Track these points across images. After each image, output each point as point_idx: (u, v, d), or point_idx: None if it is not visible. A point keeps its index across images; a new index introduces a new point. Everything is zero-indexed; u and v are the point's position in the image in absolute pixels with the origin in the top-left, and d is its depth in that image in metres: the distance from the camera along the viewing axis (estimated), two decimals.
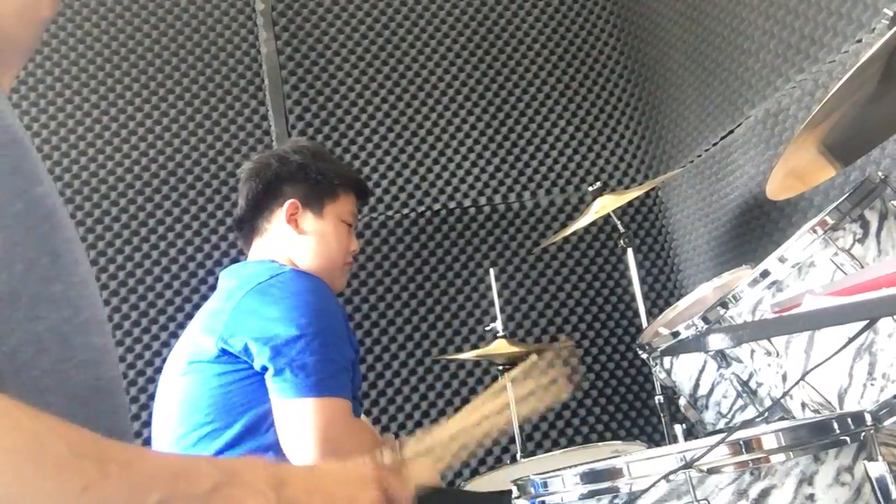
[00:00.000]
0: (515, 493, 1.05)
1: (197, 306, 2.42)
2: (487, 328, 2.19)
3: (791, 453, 0.88)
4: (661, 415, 2.01)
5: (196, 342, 1.56)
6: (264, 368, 1.44)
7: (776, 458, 0.87)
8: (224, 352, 1.48)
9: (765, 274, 1.31)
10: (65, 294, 0.70)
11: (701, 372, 1.61)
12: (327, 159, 1.78)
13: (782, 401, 1.33)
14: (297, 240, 1.69)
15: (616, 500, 0.91)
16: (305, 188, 1.71)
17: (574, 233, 2.37)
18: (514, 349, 2.03)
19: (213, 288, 2.44)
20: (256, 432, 1.44)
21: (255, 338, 1.45)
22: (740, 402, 1.55)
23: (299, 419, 1.40)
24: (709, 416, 1.66)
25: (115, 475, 0.55)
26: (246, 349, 1.45)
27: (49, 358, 0.66)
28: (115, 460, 0.56)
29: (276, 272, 1.56)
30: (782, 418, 1.39)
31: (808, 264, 1.28)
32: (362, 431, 1.50)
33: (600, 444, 2.12)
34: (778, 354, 1.29)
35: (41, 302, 0.67)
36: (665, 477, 0.87)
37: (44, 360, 0.66)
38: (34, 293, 0.66)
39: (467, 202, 2.67)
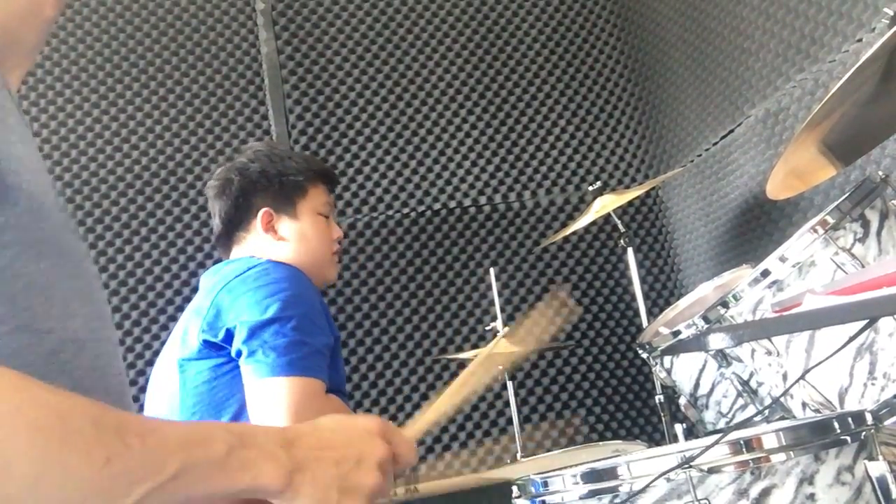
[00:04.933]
0: (515, 492, 1.05)
1: None
2: (487, 328, 2.19)
3: (792, 453, 0.88)
4: (662, 414, 2.01)
5: (180, 342, 1.58)
6: (239, 353, 1.46)
7: (777, 458, 0.87)
8: (207, 344, 1.50)
9: (765, 273, 1.31)
10: (89, 288, 0.71)
11: (701, 371, 1.61)
12: (285, 157, 1.75)
13: (783, 400, 1.33)
14: (277, 246, 1.69)
15: (616, 500, 0.91)
16: (273, 194, 1.70)
17: (574, 232, 2.37)
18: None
19: None
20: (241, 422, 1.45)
21: (233, 324, 1.48)
22: (741, 401, 1.55)
23: (271, 398, 1.41)
24: (709, 416, 1.66)
25: (135, 446, 0.56)
26: (228, 336, 1.48)
27: (87, 355, 0.67)
28: (134, 432, 0.57)
29: (252, 264, 1.58)
30: (783, 418, 1.39)
31: (809, 264, 1.28)
32: (336, 412, 1.49)
33: (600, 443, 2.12)
34: (778, 354, 1.29)
35: (73, 299, 0.67)
36: (665, 476, 0.87)
37: (84, 358, 0.66)
38: (67, 289, 0.67)
39: (467, 202, 2.67)
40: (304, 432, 0.73)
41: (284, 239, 1.70)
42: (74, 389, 0.63)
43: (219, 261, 2.26)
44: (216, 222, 1.76)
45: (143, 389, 2.35)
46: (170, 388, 1.56)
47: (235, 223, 1.73)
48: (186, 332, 1.58)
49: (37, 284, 0.62)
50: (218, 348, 1.50)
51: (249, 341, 1.45)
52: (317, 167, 1.79)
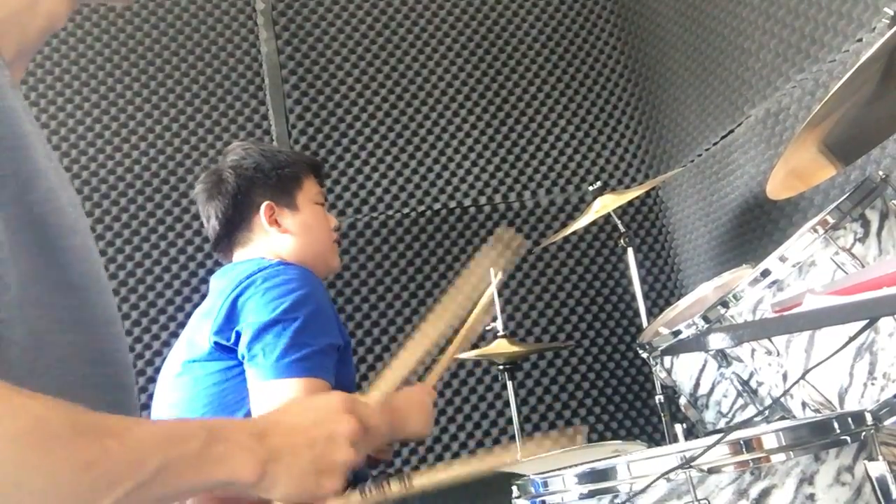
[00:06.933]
0: (515, 493, 1.05)
1: (197, 306, 2.42)
2: (487, 328, 2.19)
3: (791, 453, 0.88)
4: (662, 414, 2.01)
5: (190, 343, 1.57)
6: (244, 356, 1.45)
7: (777, 458, 0.87)
8: (218, 346, 1.49)
9: (765, 273, 1.31)
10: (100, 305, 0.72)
11: (701, 371, 1.61)
12: (274, 151, 1.77)
13: (783, 400, 1.33)
14: (283, 239, 1.70)
15: (616, 500, 0.91)
16: (271, 187, 1.71)
17: (574, 233, 2.37)
18: (515, 349, 2.03)
19: None
20: None
21: (242, 327, 1.47)
22: (741, 401, 1.55)
23: (274, 400, 1.39)
24: (709, 416, 1.66)
25: (114, 448, 0.58)
26: (238, 340, 1.48)
27: (78, 367, 0.68)
28: (113, 433, 0.59)
29: (263, 266, 1.57)
30: (783, 418, 1.39)
31: (809, 263, 1.28)
32: None
33: (600, 444, 2.12)
34: (778, 354, 1.29)
35: (72, 314, 0.68)
36: (665, 476, 0.87)
37: (62, 361, 0.67)
38: (66, 305, 0.68)
39: (467, 202, 2.67)
40: (273, 421, 0.75)
41: (289, 231, 1.70)
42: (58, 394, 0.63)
43: (219, 263, 2.26)
44: (212, 224, 1.74)
45: (143, 390, 2.35)
46: (177, 391, 1.55)
47: (236, 222, 1.72)
48: (195, 335, 1.57)
49: (31, 299, 0.63)
50: (229, 351, 1.49)
51: (252, 344, 1.44)
52: (306, 158, 1.84)
